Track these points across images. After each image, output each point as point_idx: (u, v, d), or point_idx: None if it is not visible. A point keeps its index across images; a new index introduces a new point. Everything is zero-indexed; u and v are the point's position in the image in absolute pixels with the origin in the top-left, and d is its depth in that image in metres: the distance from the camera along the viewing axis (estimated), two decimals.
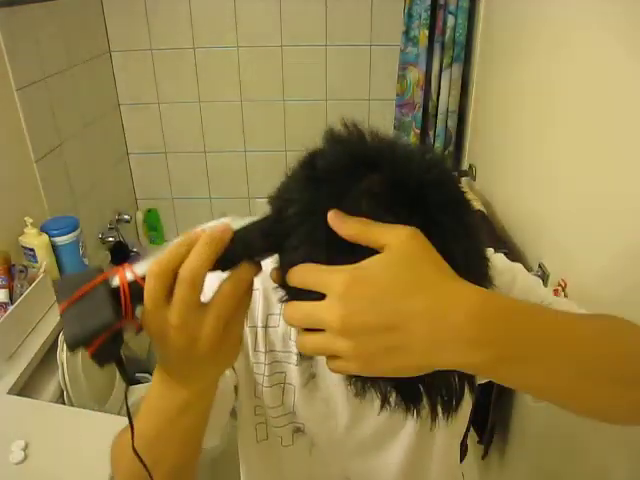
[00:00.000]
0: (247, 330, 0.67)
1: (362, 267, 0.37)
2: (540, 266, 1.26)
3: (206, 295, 0.40)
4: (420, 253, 0.38)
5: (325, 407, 0.69)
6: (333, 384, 0.67)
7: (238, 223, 0.41)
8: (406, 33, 1.86)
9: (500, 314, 0.38)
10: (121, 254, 2.20)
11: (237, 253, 0.40)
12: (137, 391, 1.84)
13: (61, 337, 1.42)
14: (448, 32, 1.79)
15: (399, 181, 0.40)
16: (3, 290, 1.32)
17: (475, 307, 0.37)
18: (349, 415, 0.69)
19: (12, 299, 1.33)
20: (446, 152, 1.97)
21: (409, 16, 1.84)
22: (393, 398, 0.44)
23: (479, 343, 0.36)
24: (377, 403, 0.44)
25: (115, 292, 0.39)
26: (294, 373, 0.68)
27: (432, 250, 0.38)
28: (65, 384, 1.39)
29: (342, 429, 0.70)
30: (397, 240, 0.37)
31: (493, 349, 0.37)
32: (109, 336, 0.38)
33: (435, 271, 0.38)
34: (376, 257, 0.37)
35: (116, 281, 0.40)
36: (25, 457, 1.05)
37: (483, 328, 0.37)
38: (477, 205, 1.62)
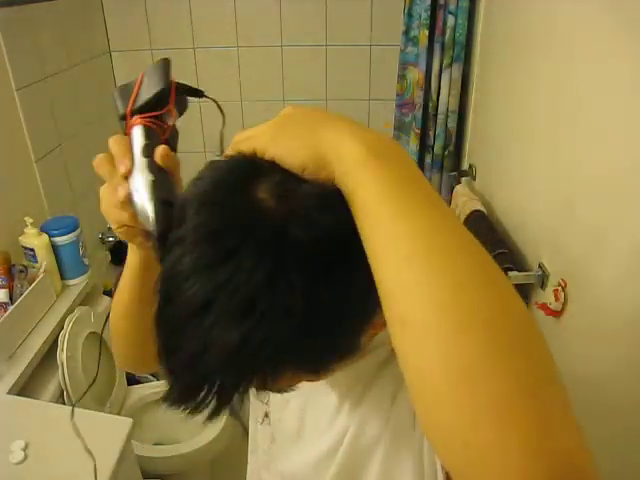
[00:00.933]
0: None
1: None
2: (540, 266, 1.26)
3: None
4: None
5: (294, 412, 0.65)
6: (310, 394, 0.64)
7: None
8: (406, 33, 1.86)
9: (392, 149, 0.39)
10: (121, 254, 2.20)
11: None
12: (137, 391, 1.84)
13: (61, 337, 1.42)
14: (448, 32, 1.79)
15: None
16: (3, 290, 1.32)
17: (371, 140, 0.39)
18: (303, 431, 0.64)
19: (12, 299, 1.33)
20: (446, 152, 1.97)
21: (409, 16, 1.84)
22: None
23: (363, 135, 0.39)
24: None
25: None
26: None
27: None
28: (65, 384, 1.39)
29: (295, 443, 0.65)
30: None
31: (373, 147, 0.38)
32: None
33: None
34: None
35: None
36: (25, 457, 1.05)
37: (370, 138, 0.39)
38: (477, 205, 1.62)
